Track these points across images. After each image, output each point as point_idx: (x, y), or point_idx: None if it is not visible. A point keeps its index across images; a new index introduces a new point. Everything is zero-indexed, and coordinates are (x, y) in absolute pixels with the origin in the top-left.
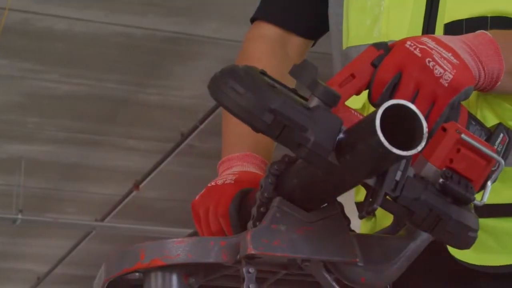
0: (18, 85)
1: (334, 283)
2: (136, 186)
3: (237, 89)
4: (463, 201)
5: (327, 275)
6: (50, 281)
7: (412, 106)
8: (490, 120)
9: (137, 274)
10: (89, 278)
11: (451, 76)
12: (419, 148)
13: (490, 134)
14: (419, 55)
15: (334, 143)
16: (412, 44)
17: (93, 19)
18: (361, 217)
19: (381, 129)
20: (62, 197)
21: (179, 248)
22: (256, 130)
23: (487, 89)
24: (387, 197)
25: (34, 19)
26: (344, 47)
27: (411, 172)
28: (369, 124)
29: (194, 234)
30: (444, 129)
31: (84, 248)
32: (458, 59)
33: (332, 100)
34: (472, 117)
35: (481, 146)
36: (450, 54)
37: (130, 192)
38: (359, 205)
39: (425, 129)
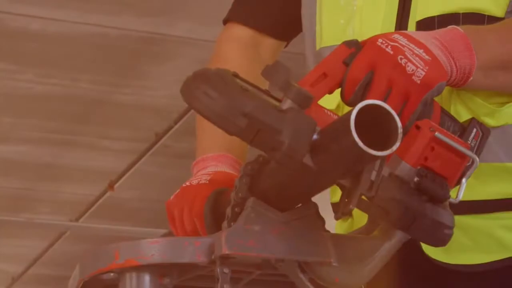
0: None
1: (308, 283)
2: (111, 186)
3: (210, 93)
4: (438, 199)
5: (301, 275)
6: (25, 282)
7: (387, 106)
8: (464, 115)
9: (111, 274)
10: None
11: (423, 73)
12: (394, 148)
13: (463, 130)
14: (391, 52)
15: (308, 145)
16: (384, 42)
17: (68, 19)
18: (337, 218)
19: (355, 129)
20: (36, 197)
21: (154, 248)
22: (230, 134)
23: (459, 84)
24: (363, 197)
25: (8, 19)
26: (317, 47)
27: (386, 171)
28: (343, 124)
29: (169, 234)
30: (418, 127)
31: (58, 248)
32: (430, 55)
33: (305, 102)
34: (445, 113)
35: (455, 144)
36: (421, 51)
37: (104, 192)
38: (335, 206)
39: (400, 129)
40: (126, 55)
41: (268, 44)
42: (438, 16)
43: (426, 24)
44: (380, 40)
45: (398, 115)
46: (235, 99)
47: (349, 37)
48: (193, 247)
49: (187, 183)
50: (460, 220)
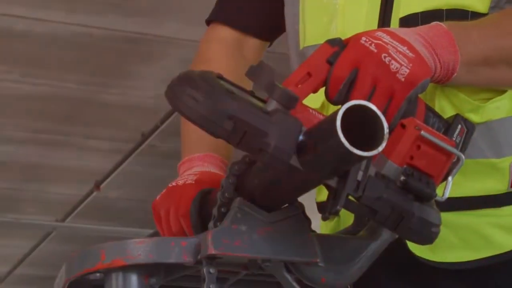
0: None
1: (294, 283)
2: (97, 186)
3: (195, 96)
4: (425, 198)
5: (287, 275)
6: (11, 282)
7: (373, 107)
8: (448, 111)
9: (98, 274)
10: (50, 279)
11: (407, 71)
12: (380, 148)
13: (448, 126)
14: (375, 50)
15: (294, 146)
16: (367, 40)
17: (54, 19)
18: (324, 219)
19: (341, 130)
20: (22, 197)
21: (140, 248)
22: (217, 137)
23: (443, 81)
24: (350, 197)
25: None
26: (301, 46)
27: (372, 171)
28: (329, 125)
29: (155, 234)
30: (403, 126)
31: (44, 248)
32: (414, 52)
33: (290, 102)
34: (430, 109)
35: (441, 142)
36: (405, 48)
37: (91, 192)
38: (320, 205)
39: (386, 130)
40: (112, 55)
41: (252, 44)
42: (422, 12)
43: (409, 21)
44: (363, 38)
45: (383, 113)
46: (221, 102)
47: (332, 35)
48: (179, 247)
49: (173, 183)
50: (446, 217)
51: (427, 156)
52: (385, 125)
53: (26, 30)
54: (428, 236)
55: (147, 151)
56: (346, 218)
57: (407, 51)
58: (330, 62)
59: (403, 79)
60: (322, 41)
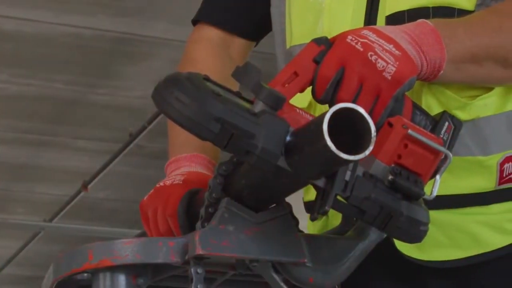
0: None
1: (282, 284)
2: (84, 186)
3: (182, 99)
4: (413, 197)
5: (275, 276)
6: None
7: (361, 109)
8: (435, 109)
9: (85, 274)
10: (38, 279)
11: (394, 69)
12: (367, 152)
13: (435, 123)
14: (361, 49)
15: (282, 148)
16: (353, 39)
17: (42, 20)
18: (313, 219)
19: (329, 132)
20: (10, 197)
21: (128, 248)
22: (204, 139)
23: (430, 78)
24: (338, 197)
25: None
26: (288, 46)
27: (360, 170)
28: (317, 128)
29: (143, 234)
30: (391, 124)
31: (32, 248)
32: (400, 50)
33: (277, 103)
34: (416, 107)
35: (428, 141)
36: (391, 46)
37: (78, 192)
38: (308, 205)
39: (374, 133)
40: (100, 55)
41: (238, 44)
42: (408, 10)
43: (395, 19)
44: (349, 37)
45: (370, 112)
46: (207, 104)
47: (318, 34)
48: (167, 248)
49: (161, 183)
50: (434, 215)
51: (414, 155)
52: (373, 128)
53: (14, 31)
54: (416, 234)
55: (134, 151)
56: (334, 217)
57: (394, 49)
58: (317, 62)
59: (389, 78)
60: (308, 40)
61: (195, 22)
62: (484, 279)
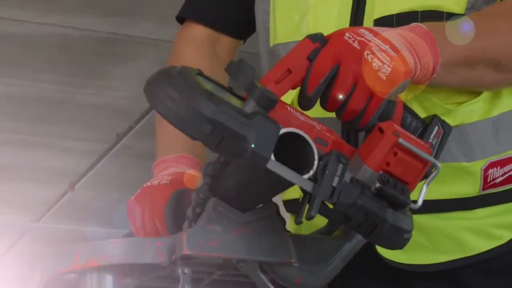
0: None
1: (269, 284)
2: (71, 186)
3: (173, 96)
4: (399, 205)
5: (262, 276)
6: None
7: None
8: (420, 115)
9: (72, 274)
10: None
11: (389, 69)
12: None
13: (425, 127)
14: (358, 47)
15: (272, 151)
16: (351, 36)
17: (29, 20)
18: (298, 223)
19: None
20: None
21: (115, 248)
22: (194, 139)
23: (422, 81)
24: (324, 202)
25: None
26: (271, 44)
27: (347, 176)
28: None
29: (130, 235)
30: (381, 131)
31: (19, 249)
32: (396, 52)
33: (269, 104)
34: (407, 110)
35: (418, 150)
36: (388, 46)
37: (65, 193)
38: (287, 203)
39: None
40: (87, 55)
41: (225, 42)
42: (397, 14)
43: (384, 23)
44: (347, 34)
45: (363, 111)
46: (200, 104)
47: (303, 33)
48: (154, 248)
49: (148, 184)
50: (417, 219)
51: (403, 163)
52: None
53: (1, 31)
54: (399, 242)
55: (121, 151)
56: (319, 217)
57: (390, 50)
58: (311, 60)
59: (384, 78)
60: (293, 39)
61: (180, 19)
62: (468, 280)
